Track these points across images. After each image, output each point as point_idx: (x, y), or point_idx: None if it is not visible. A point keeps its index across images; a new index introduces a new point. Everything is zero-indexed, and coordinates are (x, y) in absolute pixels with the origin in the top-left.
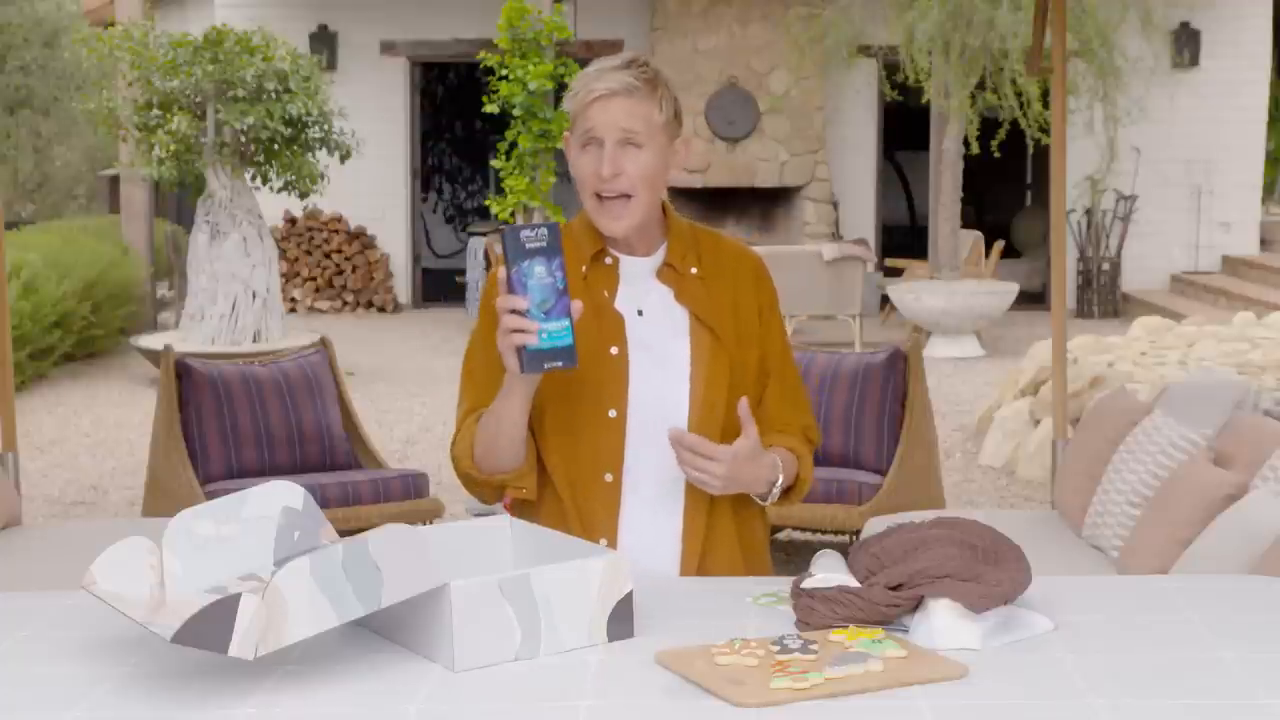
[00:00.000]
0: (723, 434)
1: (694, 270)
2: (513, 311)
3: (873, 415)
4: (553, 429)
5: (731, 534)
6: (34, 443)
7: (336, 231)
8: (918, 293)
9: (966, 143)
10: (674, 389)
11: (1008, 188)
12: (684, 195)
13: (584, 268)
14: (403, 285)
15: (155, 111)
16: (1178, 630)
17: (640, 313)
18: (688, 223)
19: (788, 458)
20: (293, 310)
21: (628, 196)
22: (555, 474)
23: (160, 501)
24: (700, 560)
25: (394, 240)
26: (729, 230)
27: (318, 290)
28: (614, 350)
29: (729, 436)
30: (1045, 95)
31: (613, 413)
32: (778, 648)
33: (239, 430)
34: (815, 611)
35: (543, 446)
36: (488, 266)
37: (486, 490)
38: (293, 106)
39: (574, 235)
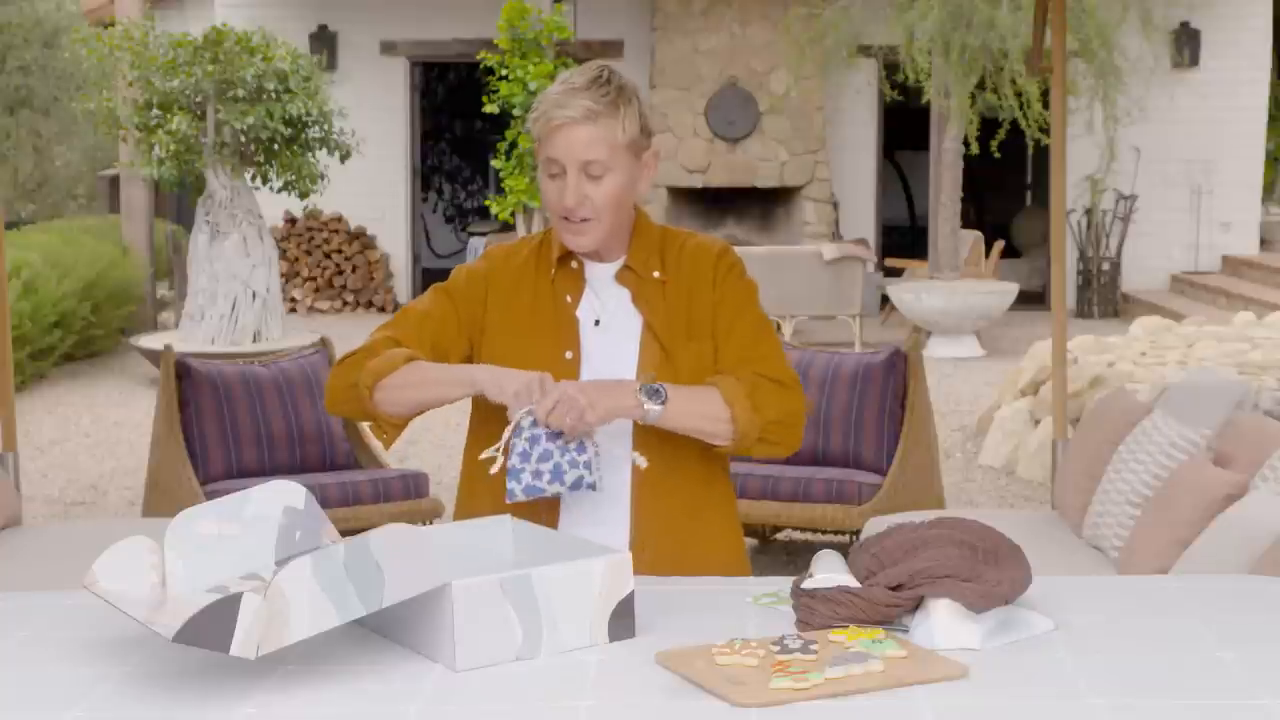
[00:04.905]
0: (661, 441)
1: (656, 274)
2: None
3: (873, 415)
4: (499, 428)
5: (684, 530)
6: (34, 443)
7: (336, 231)
8: (918, 293)
9: (966, 143)
10: None
11: (1008, 188)
12: (684, 195)
13: (552, 271)
14: (403, 285)
15: (155, 111)
16: (1178, 630)
17: (597, 321)
18: (659, 227)
19: (692, 384)
20: (293, 310)
21: (591, 218)
22: (500, 476)
23: (160, 501)
24: (646, 564)
25: (394, 240)
26: (728, 230)
27: (318, 290)
28: (568, 355)
29: (669, 444)
30: (1045, 95)
31: None
32: (778, 648)
33: (239, 430)
34: (815, 611)
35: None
36: None
37: (354, 408)
38: (293, 106)
39: (549, 240)
